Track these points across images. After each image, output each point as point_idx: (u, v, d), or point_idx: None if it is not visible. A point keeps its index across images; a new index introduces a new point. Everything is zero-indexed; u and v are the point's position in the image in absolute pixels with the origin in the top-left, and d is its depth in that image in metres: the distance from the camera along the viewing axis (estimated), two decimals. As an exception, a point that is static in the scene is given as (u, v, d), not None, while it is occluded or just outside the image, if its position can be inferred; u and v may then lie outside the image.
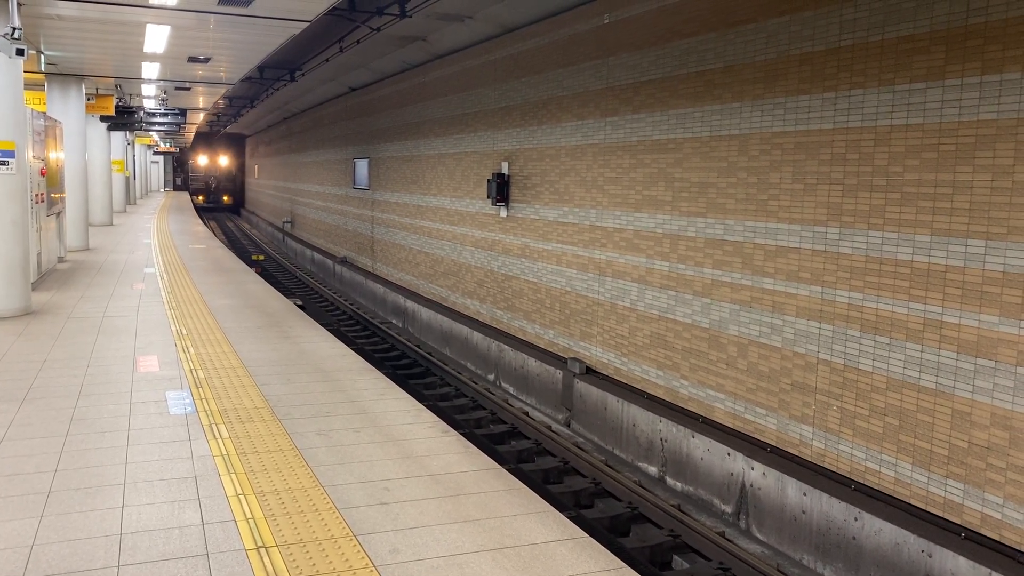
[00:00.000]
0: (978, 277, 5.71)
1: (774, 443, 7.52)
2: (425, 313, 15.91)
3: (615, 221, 9.99)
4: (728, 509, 7.69)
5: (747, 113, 7.80)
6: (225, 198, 56.97)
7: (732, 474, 7.62)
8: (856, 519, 6.32)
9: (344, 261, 23.48)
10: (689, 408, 8.68)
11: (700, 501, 8.07)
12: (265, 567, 3.90)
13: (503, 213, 12.97)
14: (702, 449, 8.03)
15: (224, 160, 56.73)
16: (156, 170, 63.10)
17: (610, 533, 7.38)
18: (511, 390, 12.18)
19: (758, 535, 7.34)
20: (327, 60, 17.77)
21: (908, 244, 6.21)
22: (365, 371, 7.89)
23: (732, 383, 8.05)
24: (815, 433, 7.07)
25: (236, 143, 55.56)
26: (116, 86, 21.55)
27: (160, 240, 21.40)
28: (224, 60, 15.97)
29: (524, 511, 4.67)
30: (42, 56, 15.84)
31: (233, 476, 5.04)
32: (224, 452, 5.47)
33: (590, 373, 10.47)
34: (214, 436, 5.80)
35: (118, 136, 29.87)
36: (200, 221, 30.25)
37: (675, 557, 6.96)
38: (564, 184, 11.15)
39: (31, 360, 7.96)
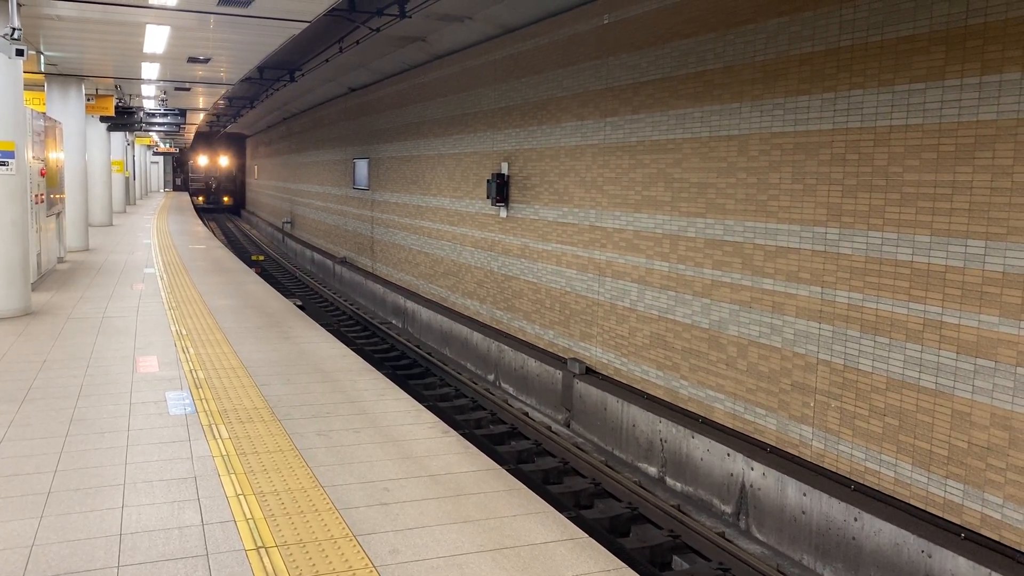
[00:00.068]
0: (978, 277, 5.71)
1: (774, 443, 7.52)
2: (425, 313, 15.91)
3: (615, 221, 9.99)
4: (728, 509, 7.69)
5: (747, 113, 7.80)
6: (225, 199, 56.64)
7: (732, 474, 7.63)
8: (856, 519, 6.32)
9: (344, 261, 23.48)
10: (689, 408, 8.68)
11: (700, 501, 8.07)
12: (265, 567, 3.90)
13: (503, 213, 12.97)
14: (702, 449, 8.03)
15: (224, 160, 56.40)
16: (156, 170, 63.06)
17: (610, 533, 7.38)
18: (511, 390, 12.18)
19: (758, 535, 7.34)
20: (327, 61, 17.77)
21: (908, 244, 6.21)
22: (365, 371, 7.89)
23: (732, 383, 8.05)
24: (815, 433, 7.08)
25: (236, 143, 55.28)
26: (116, 86, 21.55)
27: (160, 240, 21.40)
28: (224, 61, 15.98)
29: (524, 511, 4.67)
30: (42, 56, 15.84)
31: (233, 476, 5.04)
32: (224, 452, 5.47)
33: (590, 373, 10.47)
34: (214, 436, 5.80)
35: (118, 136, 29.87)
36: (200, 222, 30.25)
37: (675, 557, 6.96)
38: (564, 184, 11.15)
39: (31, 360, 7.96)
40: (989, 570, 5.38)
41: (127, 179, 35.50)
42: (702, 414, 8.47)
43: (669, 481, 8.56)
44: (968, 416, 5.80)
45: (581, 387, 10.24)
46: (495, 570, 3.96)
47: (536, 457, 9.40)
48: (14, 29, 9.17)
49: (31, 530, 4.25)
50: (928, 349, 6.08)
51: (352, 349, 11.65)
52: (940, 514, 6.00)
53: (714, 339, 8.30)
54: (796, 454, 7.27)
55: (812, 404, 7.11)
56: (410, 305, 16.85)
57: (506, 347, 12.31)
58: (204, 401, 6.68)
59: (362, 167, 21.69)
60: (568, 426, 10.58)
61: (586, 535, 4.39)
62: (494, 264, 13.39)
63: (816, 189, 7.03)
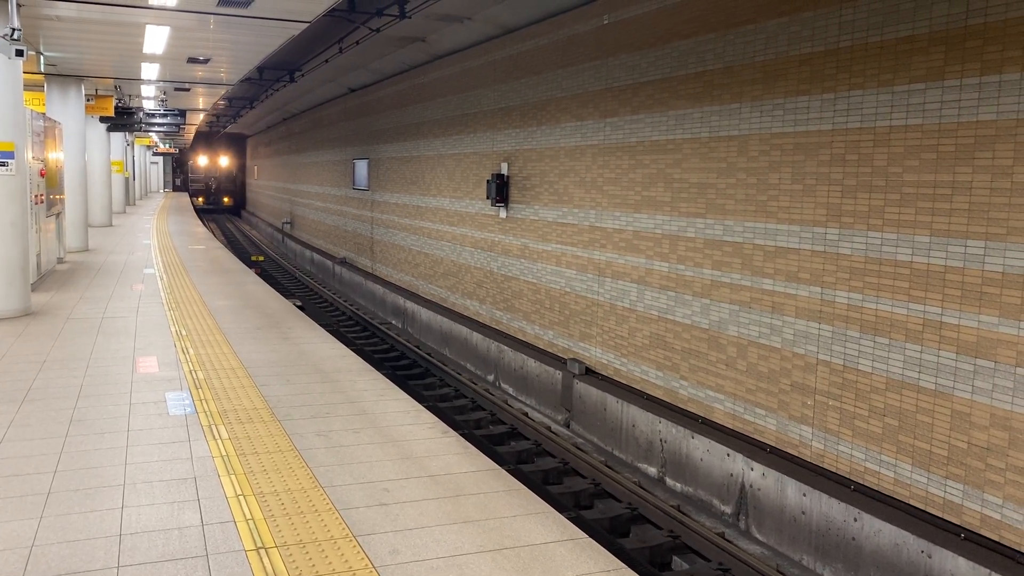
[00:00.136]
0: (977, 278, 5.71)
1: (774, 444, 7.53)
2: (425, 314, 15.91)
3: (614, 222, 9.99)
4: (728, 510, 7.69)
5: (746, 114, 7.80)
6: (225, 199, 56.10)
7: (732, 475, 7.63)
8: (856, 520, 6.32)
9: (343, 262, 23.48)
10: (689, 409, 8.68)
11: (700, 502, 8.07)
12: (265, 568, 3.90)
13: (502, 214, 12.97)
14: (702, 450, 8.03)
15: (224, 160, 55.91)
16: (155, 171, 63.03)
17: (610, 534, 7.38)
18: (510, 391, 12.18)
19: (758, 536, 7.34)
20: (326, 61, 17.77)
21: (907, 245, 6.21)
22: (365, 372, 7.90)
23: (731, 384, 8.05)
24: (815, 434, 7.08)
25: (237, 143, 54.92)
26: (115, 87, 21.56)
27: (159, 241, 21.40)
28: (223, 61, 15.98)
29: (524, 512, 4.67)
30: (41, 57, 15.85)
31: (233, 477, 5.04)
32: (224, 453, 5.47)
33: (589, 374, 10.47)
34: (214, 437, 5.80)
35: (117, 137, 29.87)
36: (200, 222, 30.25)
37: (675, 558, 6.96)
38: (563, 185, 11.15)
39: (30, 361, 7.96)
40: (989, 570, 5.38)
41: (127, 179, 35.50)
42: (702, 414, 8.47)
43: (669, 481, 8.56)
44: (968, 416, 5.80)
45: (581, 387, 10.24)
46: (495, 570, 3.96)
47: (536, 457, 9.40)
48: (14, 30, 9.18)
49: (31, 530, 4.25)
50: (928, 349, 6.08)
51: (352, 349, 11.65)
52: (940, 514, 6.00)
53: (714, 339, 8.30)
54: (796, 454, 7.27)
55: (812, 404, 7.11)
56: (410, 305, 16.85)
57: (506, 347, 12.31)
58: (204, 402, 6.68)
59: (362, 167, 21.69)
60: (568, 426, 10.58)
61: (586, 535, 4.39)
62: (494, 264, 13.39)
63: (816, 189, 7.04)
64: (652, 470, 8.84)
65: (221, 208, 56.04)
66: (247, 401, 6.72)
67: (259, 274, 19.89)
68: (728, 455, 7.67)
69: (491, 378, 12.87)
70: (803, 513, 6.82)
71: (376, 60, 17.63)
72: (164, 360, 8.08)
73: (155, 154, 59.16)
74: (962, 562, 5.53)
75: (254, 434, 5.88)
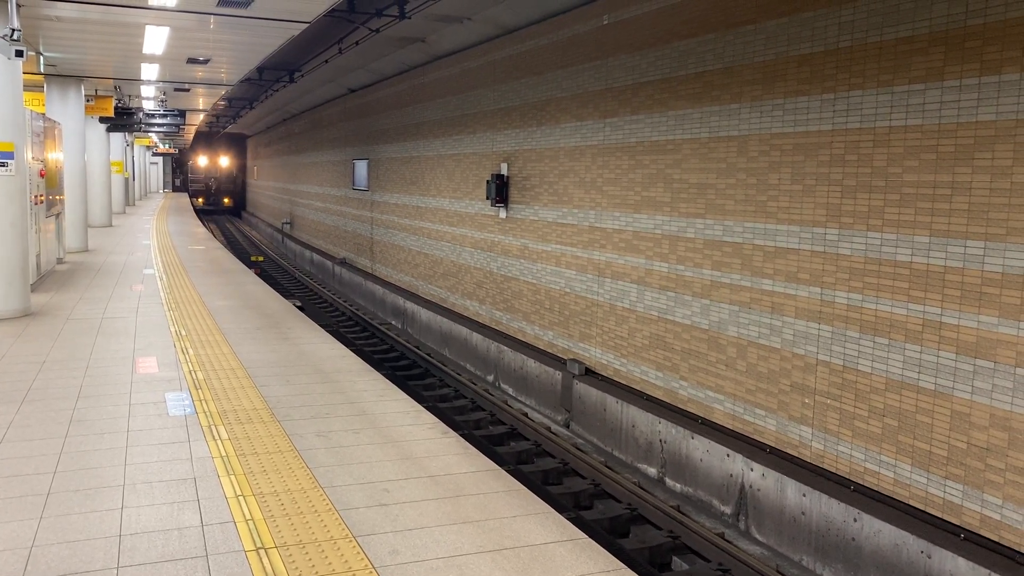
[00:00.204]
0: (977, 278, 5.71)
1: (773, 444, 7.53)
2: (424, 314, 15.91)
3: (614, 222, 10.00)
4: (727, 510, 7.69)
5: (746, 114, 7.81)
6: (226, 200, 55.45)
7: (731, 475, 7.63)
8: (855, 520, 6.32)
9: (343, 262, 23.48)
10: (688, 409, 8.68)
11: (699, 502, 8.07)
12: (264, 568, 3.90)
13: (502, 214, 12.98)
14: (701, 450, 8.03)
15: (225, 161, 55.34)
16: (155, 171, 63.03)
17: (609, 534, 7.39)
18: (510, 391, 12.18)
19: (757, 536, 7.34)
20: (326, 61, 17.77)
21: (907, 245, 6.21)
22: (364, 372, 7.89)
23: (731, 384, 8.05)
24: (814, 434, 7.08)
25: (237, 143, 54.54)
26: (115, 87, 21.56)
27: (159, 241, 21.40)
28: (223, 61, 15.98)
29: (523, 512, 4.67)
30: (41, 57, 15.85)
31: (232, 477, 5.04)
32: (223, 453, 5.47)
33: (589, 374, 10.47)
34: (213, 437, 5.80)
35: (117, 137, 29.88)
36: (199, 223, 30.25)
37: (674, 558, 6.96)
38: (563, 185, 11.16)
39: (30, 361, 7.96)
40: (988, 571, 5.39)
41: (126, 180, 35.49)
42: (701, 415, 8.47)
43: (669, 482, 8.56)
44: (967, 417, 5.80)
45: (580, 388, 10.24)
46: (495, 571, 3.96)
47: (536, 458, 9.40)
48: (13, 30, 9.18)
49: (30, 531, 4.25)
50: (927, 350, 6.08)
51: (351, 350, 11.65)
52: (939, 515, 6.00)
53: (713, 340, 8.30)
54: (796, 455, 7.27)
55: (812, 405, 7.11)
56: (409, 306, 16.85)
57: (505, 348, 12.31)
58: (203, 402, 6.68)
59: (361, 168, 21.69)
60: (567, 427, 10.58)
61: (586, 536, 4.39)
62: (493, 265, 13.39)
63: (815, 190, 7.04)
64: (652, 470, 8.84)
65: (221, 209, 55.55)
66: (247, 401, 6.72)
67: (259, 274, 19.89)
68: (728, 455, 7.67)
69: (491, 378, 12.87)
70: (803, 513, 6.82)
71: (376, 60, 17.63)
72: (164, 360, 8.08)
73: (155, 154, 59.16)
74: (962, 562, 5.53)
75: (254, 434, 5.88)
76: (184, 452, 5.48)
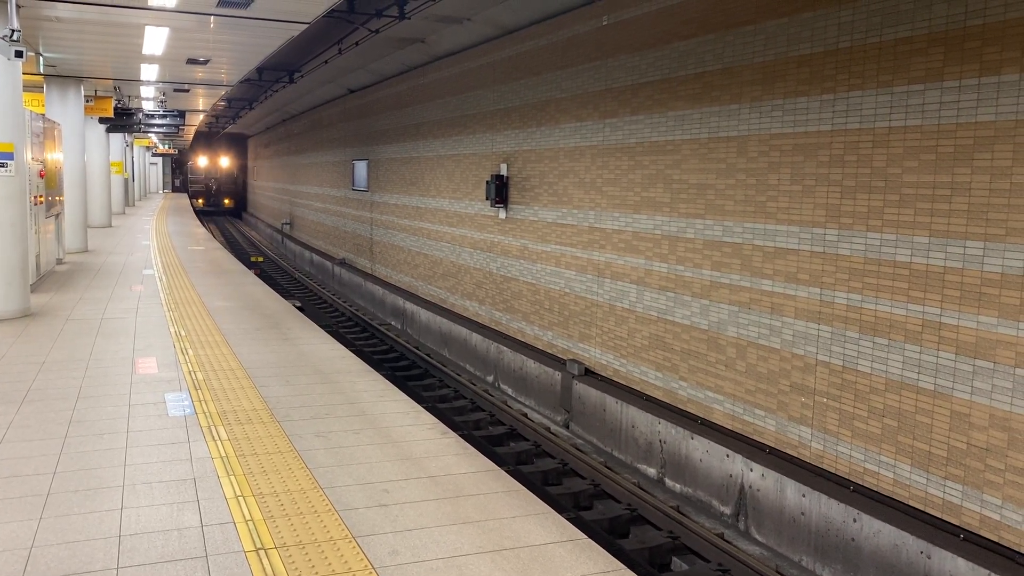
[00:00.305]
0: (976, 278, 5.72)
1: (773, 444, 7.53)
2: (424, 315, 15.91)
3: (614, 223, 10.00)
4: (727, 510, 7.69)
5: (745, 115, 7.81)
6: (226, 201, 54.48)
7: (731, 475, 7.63)
8: (855, 520, 6.32)
9: (343, 263, 23.48)
10: (688, 410, 8.68)
11: (699, 503, 8.07)
12: (264, 569, 3.90)
13: (502, 215, 12.98)
14: (701, 451, 8.03)
15: (225, 161, 54.59)
16: (155, 172, 63.00)
17: (609, 535, 7.39)
18: (510, 392, 12.18)
19: (757, 536, 7.34)
20: (326, 62, 17.78)
21: (907, 246, 6.22)
22: (364, 373, 7.89)
23: (731, 384, 8.05)
24: (814, 434, 7.08)
25: (238, 143, 54.01)
26: (115, 88, 21.56)
27: (159, 242, 21.39)
28: (223, 62, 15.98)
29: (523, 513, 4.67)
30: (41, 58, 15.85)
31: (232, 478, 5.04)
32: (223, 454, 5.47)
33: (589, 375, 10.47)
34: (213, 438, 5.80)
35: (117, 138, 29.87)
36: (199, 223, 30.25)
37: (674, 559, 6.96)
38: (563, 186, 11.16)
39: (30, 362, 7.96)
40: (988, 571, 5.39)
41: (126, 180, 35.49)
42: (701, 415, 8.47)
43: (668, 482, 8.56)
44: (967, 417, 5.80)
45: (580, 388, 10.24)
46: (494, 571, 3.96)
47: (535, 458, 9.40)
48: (13, 31, 9.18)
49: (30, 532, 4.25)
50: (927, 350, 6.08)
51: (351, 350, 11.65)
52: (939, 515, 6.00)
53: (713, 340, 8.30)
54: (795, 455, 7.28)
55: (811, 405, 7.11)
56: (409, 306, 16.85)
57: (505, 348, 12.31)
58: (203, 403, 6.68)
59: (361, 168, 21.69)
60: (567, 427, 10.58)
61: (585, 536, 4.39)
62: (493, 265, 13.39)
63: (815, 190, 7.04)
64: (651, 471, 8.84)
65: (222, 210, 54.99)
66: (246, 402, 6.72)
67: (258, 275, 19.89)
68: (727, 456, 7.67)
69: (490, 379, 12.87)
70: (802, 514, 6.82)
71: (375, 61, 17.63)
72: (163, 361, 8.08)
73: (154, 155, 59.13)
74: (961, 563, 5.53)
75: (253, 435, 5.88)
76: (184, 453, 5.48)
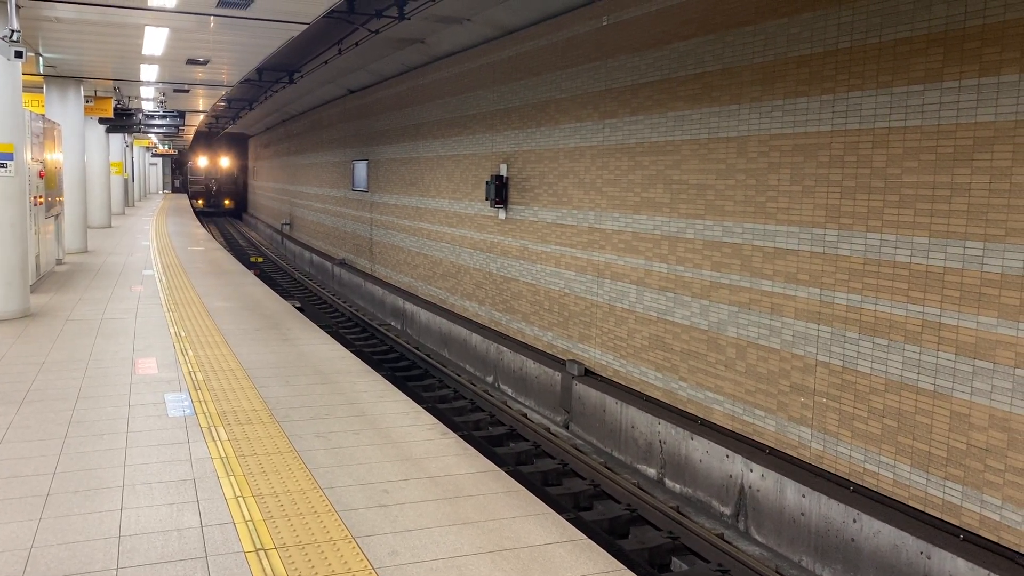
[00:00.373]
0: (976, 279, 5.72)
1: (773, 445, 7.53)
2: (424, 315, 15.91)
3: (614, 223, 10.00)
4: (727, 511, 7.69)
5: (745, 115, 7.81)
6: (227, 202, 53.79)
7: (731, 476, 7.63)
8: (855, 521, 6.32)
9: (343, 263, 23.48)
10: (688, 410, 8.68)
11: (699, 503, 8.07)
12: (264, 570, 3.90)
13: (501, 215, 12.98)
14: (701, 451, 8.03)
15: (226, 162, 53.96)
16: (155, 172, 62.98)
17: (609, 535, 7.39)
18: (510, 392, 12.18)
19: (757, 537, 7.34)
20: (326, 62, 17.78)
21: (906, 246, 6.22)
22: (364, 373, 7.89)
23: (731, 385, 8.05)
24: (814, 435, 7.08)
25: (239, 143, 53.57)
26: (115, 88, 21.56)
27: (159, 242, 21.39)
28: (223, 62, 15.98)
29: (523, 513, 4.67)
30: (40, 58, 15.85)
31: (232, 478, 5.04)
32: (223, 454, 5.47)
33: (589, 375, 10.47)
34: (213, 438, 5.80)
35: (116, 138, 29.87)
36: (199, 224, 30.25)
37: (674, 559, 6.96)
38: (563, 186, 11.16)
39: (29, 362, 7.95)
40: (988, 571, 5.39)
41: (125, 181, 35.49)
42: (701, 416, 8.47)
43: (668, 483, 8.56)
44: (967, 417, 5.80)
45: (580, 389, 10.24)
46: (494, 572, 3.96)
47: (535, 459, 9.40)
48: (13, 31, 9.18)
49: (30, 532, 4.25)
50: (927, 350, 6.08)
51: (351, 351, 11.65)
52: (939, 515, 6.00)
53: (713, 341, 8.30)
54: (795, 455, 7.28)
55: (811, 405, 7.11)
56: (409, 307, 16.85)
57: (505, 349, 12.31)
58: (203, 403, 6.68)
59: (361, 169, 21.69)
60: (567, 428, 10.58)
61: (585, 537, 4.39)
62: (493, 266, 13.40)
63: (815, 191, 7.04)
64: (651, 471, 8.84)
65: (222, 211, 54.54)
66: (246, 402, 6.72)
67: (258, 275, 19.89)
68: (727, 456, 7.67)
69: (490, 379, 12.87)
70: (802, 514, 6.82)
71: (375, 61, 17.64)
72: (163, 361, 8.08)
73: (154, 155, 59.11)
74: (961, 563, 5.53)
75: (253, 435, 5.88)
76: (183, 453, 5.48)
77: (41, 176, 12.71)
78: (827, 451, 6.94)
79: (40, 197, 12.75)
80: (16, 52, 9.27)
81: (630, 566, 6.64)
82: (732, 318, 8.03)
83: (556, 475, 8.77)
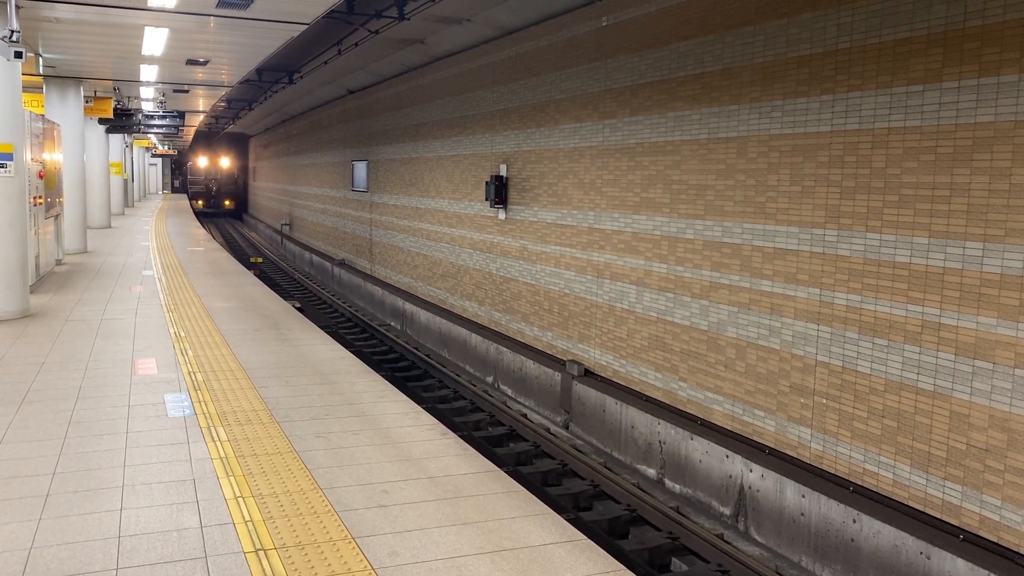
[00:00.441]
0: (976, 279, 5.72)
1: (773, 445, 7.53)
2: (423, 315, 15.91)
3: (613, 223, 10.00)
4: (727, 511, 7.69)
5: (745, 115, 7.81)
6: (227, 202, 53.46)
7: (731, 476, 7.63)
8: (855, 521, 6.32)
9: (342, 263, 23.48)
10: (688, 410, 8.68)
11: (699, 503, 8.07)
12: (264, 570, 3.89)
13: (501, 215, 12.98)
14: (700, 451, 8.03)
15: (226, 162, 53.48)
16: (154, 172, 62.94)
17: (609, 535, 7.39)
18: (509, 392, 12.18)
19: (757, 537, 7.34)
20: (325, 63, 17.78)
21: (906, 246, 6.22)
22: (364, 373, 7.89)
23: (730, 385, 8.05)
24: (813, 435, 7.08)
25: (239, 144, 53.30)
26: (114, 89, 21.55)
27: (158, 243, 21.39)
28: (223, 63, 15.98)
29: (523, 513, 4.67)
30: (40, 59, 15.85)
31: (232, 479, 5.04)
32: (223, 455, 5.47)
33: (588, 375, 10.47)
34: (212, 439, 5.79)
35: (116, 138, 29.87)
36: (199, 224, 30.25)
37: (674, 559, 6.96)
38: (562, 186, 11.16)
39: (29, 363, 7.95)
40: (988, 572, 5.39)
41: (125, 181, 35.48)
42: (701, 416, 8.47)
43: (668, 483, 8.56)
44: (966, 418, 5.80)
45: (580, 389, 10.24)
46: (494, 572, 3.96)
47: (535, 459, 9.40)
48: (12, 31, 9.18)
49: (29, 532, 4.25)
50: (926, 351, 6.08)
51: (351, 351, 11.65)
52: (939, 516, 6.01)
53: (713, 341, 8.30)
54: (795, 456, 7.28)
55: (811, 406, 7.11)
56: (408, 307, 16.85)
57: (505, 349, 12.31)
58: (203, 403, 6.67)
59: (361, 169, 21.69)
60: (567, 428, 10.58)
61: (585, 537, 4.39)
62: (492, 266, 13.40)
63: (814, 191, 7.04)
64: (651, 472, 8.84)
65: (222, 212, 54.19)
66: (246, 403, 6.72)
67: (258, 276, 19.88)
68: (727, 456, 7.67)
69: (490, 380, 12.87)
70: (802, 514, 6.82)
71: (375, 62, 17.64)
72: (163, 362, 8.08)
73: (154, 156, 59.08)
74: (961, 563, 5.53)
75: (253, 436, 5.88)
76: (183, 453, 5.48)
77: (41, 176, 12.70)
78: (827, 451, 6.94)
79: (40, 197, 12.75)
80: (16, 52, 9.27)
81: (630, 566, 6.64)
82: (732, 318, 8.03)
83: (556, 475, 8.77)
